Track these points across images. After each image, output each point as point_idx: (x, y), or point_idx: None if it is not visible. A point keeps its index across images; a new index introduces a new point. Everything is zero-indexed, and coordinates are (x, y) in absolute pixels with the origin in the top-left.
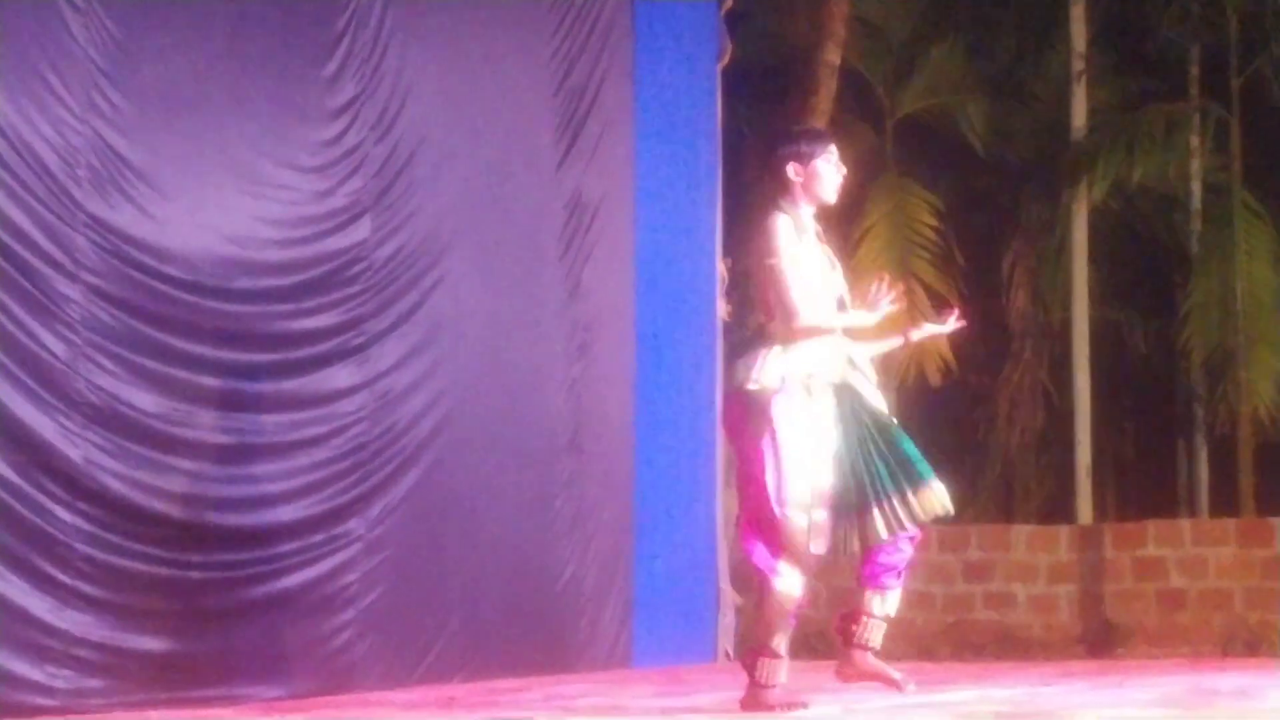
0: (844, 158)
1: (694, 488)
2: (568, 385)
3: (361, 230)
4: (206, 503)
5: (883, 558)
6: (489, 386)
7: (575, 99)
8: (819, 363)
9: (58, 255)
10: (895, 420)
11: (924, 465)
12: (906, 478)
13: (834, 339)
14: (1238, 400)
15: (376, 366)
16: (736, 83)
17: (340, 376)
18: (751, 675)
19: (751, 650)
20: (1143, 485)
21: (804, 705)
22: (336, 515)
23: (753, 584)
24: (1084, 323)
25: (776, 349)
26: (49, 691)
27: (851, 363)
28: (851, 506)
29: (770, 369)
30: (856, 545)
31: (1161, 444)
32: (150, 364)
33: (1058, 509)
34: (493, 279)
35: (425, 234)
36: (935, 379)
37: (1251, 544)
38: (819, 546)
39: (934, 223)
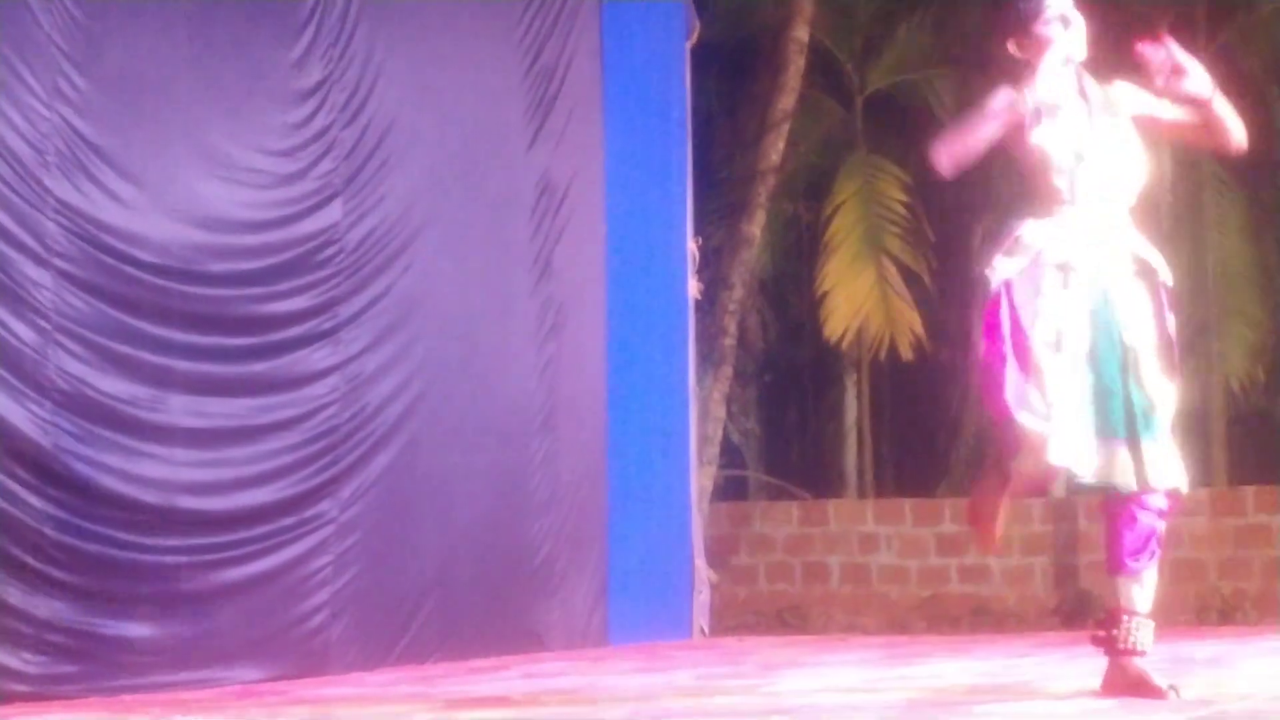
0: (812, 135)
1: (667, 465)
2: (539, 366)
3: (333, 213)
4: (178, 487)
5: (1130, 533)
6: (461, 368)
7: (544, 80)
8: (1076, 248)
9: (28, 241)
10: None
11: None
12: (1147, 425)
13: (1103, 225)
14: (1210, 372)
15: (348, 349)
16: (705, 61)
17: (312, 360)
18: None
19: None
20: None
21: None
22: (309, 498)
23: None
24: None
25: (1026, 227)
26: (22, 677)
27: (1136, 262)
28: (1117, 432)
29: (1012, 250)
30: (1128, 480)
31: None
32: (121, 349)
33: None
34: (464, 261)
35: (396, 216)
36: (907, 353)
37: (1224, 514)
38: (1059, 457)
39: (904, 198)
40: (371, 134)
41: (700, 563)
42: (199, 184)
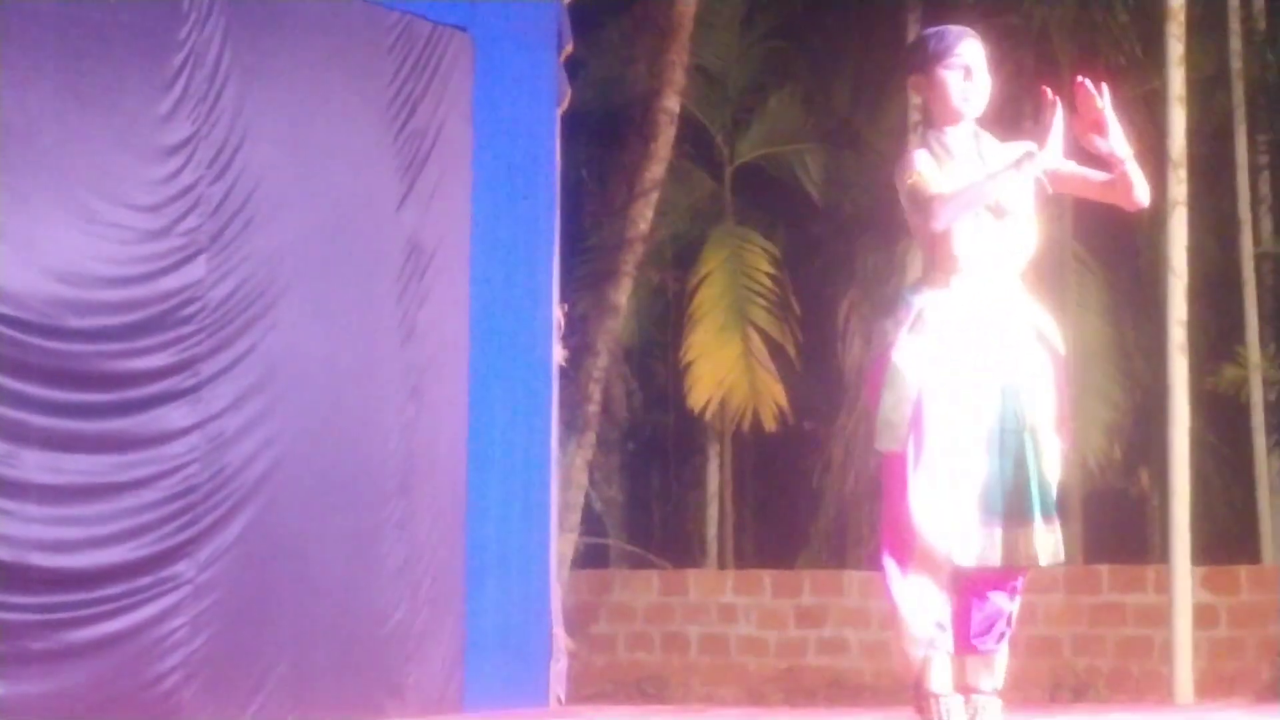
0: (681, 205)
1: (526, 531)
2: (400, 428)
3: (196, 270)
4: (31, 544)
5: (979, 613)
6: (322, 429)
7: (415, 142)
8: (977, 320)
9: None
10: (1052, 426)
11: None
12: (1044, 503)
13: (1001, 293)
14: (1067, 450)
15: (209, 408)
16: (575, 128)
17: (172, 418)
18: None
19: (913, 695)
20: None
21: None
22: (165, 558)
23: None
24: None
25: (925, 299)
26: None
27: (1034, 330)
28: (997, 513)
29: (916, 327)
30: (998, 558)
31: None
32: None
33: None
34: (328, 321)
35: (261, 275)
36: (770, 425)
37: (1079, 591)
38: (962, 557)
39: (771, 270)
40: (238, 191)
41: (558, 630)
42: (62, 238)
